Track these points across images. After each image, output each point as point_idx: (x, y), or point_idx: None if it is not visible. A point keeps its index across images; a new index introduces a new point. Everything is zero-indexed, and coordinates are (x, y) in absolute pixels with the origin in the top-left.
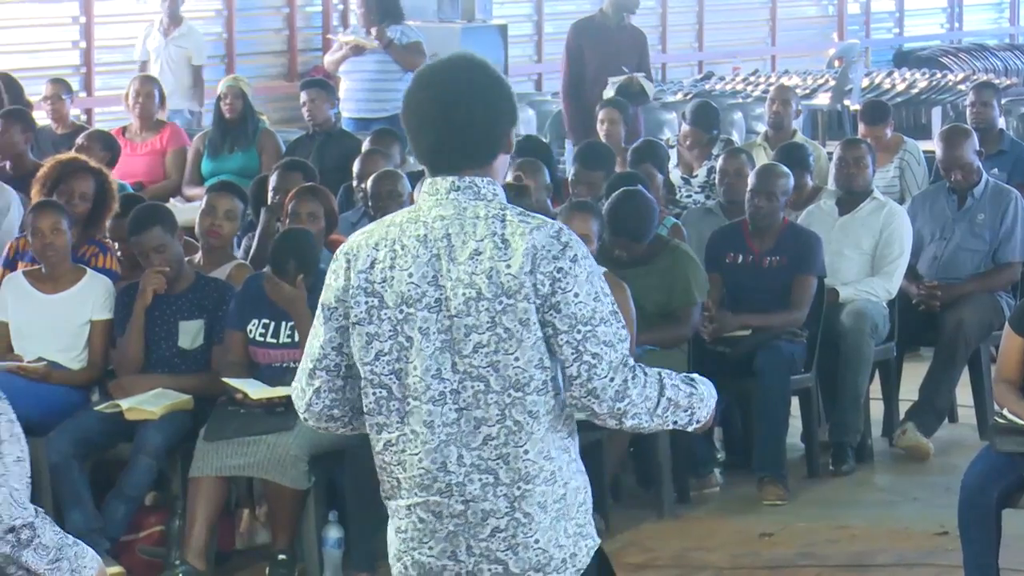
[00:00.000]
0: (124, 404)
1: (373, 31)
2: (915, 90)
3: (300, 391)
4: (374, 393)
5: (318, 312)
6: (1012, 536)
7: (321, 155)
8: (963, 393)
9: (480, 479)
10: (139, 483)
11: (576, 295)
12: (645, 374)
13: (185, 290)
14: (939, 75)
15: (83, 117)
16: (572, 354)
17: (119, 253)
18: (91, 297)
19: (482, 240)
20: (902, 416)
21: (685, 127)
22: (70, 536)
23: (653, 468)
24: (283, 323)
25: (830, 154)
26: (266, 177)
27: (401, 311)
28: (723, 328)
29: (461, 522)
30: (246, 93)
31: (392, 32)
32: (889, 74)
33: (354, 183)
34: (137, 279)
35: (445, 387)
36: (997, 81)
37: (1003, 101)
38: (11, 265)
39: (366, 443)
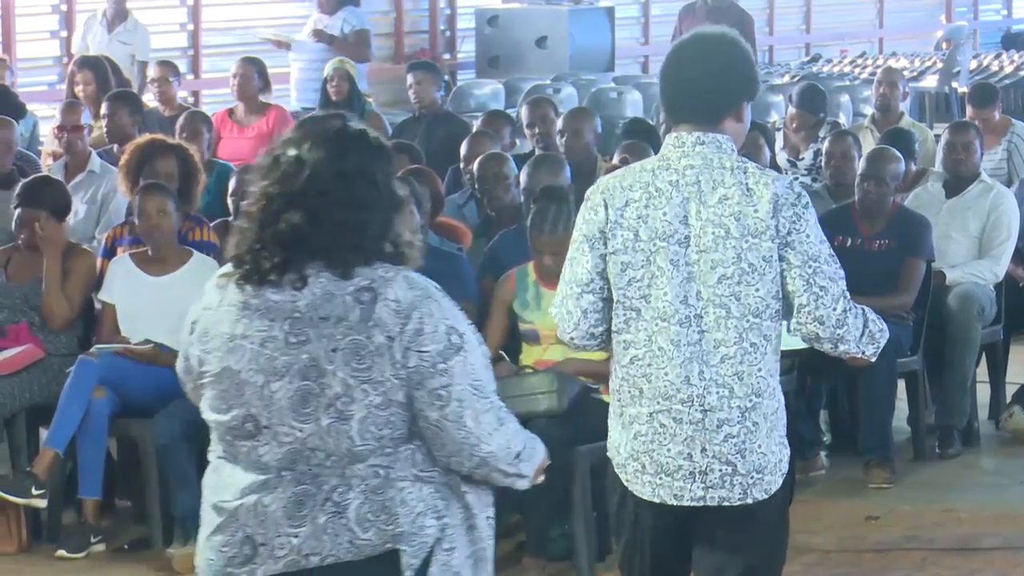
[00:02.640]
0: None
1: (313, 26)
2: (1023, 72)
3: (567, 313)
4: (624, 314)
5: (579, 244)
6: None
7: (428, 137)
8: None
9: (717, 392)
10: None
11: (808, 236)
12: (856, 307)
13: None
14: None
15: (190, 99)
16: (803, 285)
17: None
18: (198, 279)
19: (730, 188)
20: (1009, 399)
21: (792, 110)
22: (524, 430)
23: None
24: None
25: (937, 136)
26: None
27: (654, 244)
28: None
29: (699, 428)
30: (352, 76)
31: (335, 20)
32: (997, 56)
33: (461, 165)
34: None
35: (690, 312)
36: None
37: None
38: (110, 254)
39: None
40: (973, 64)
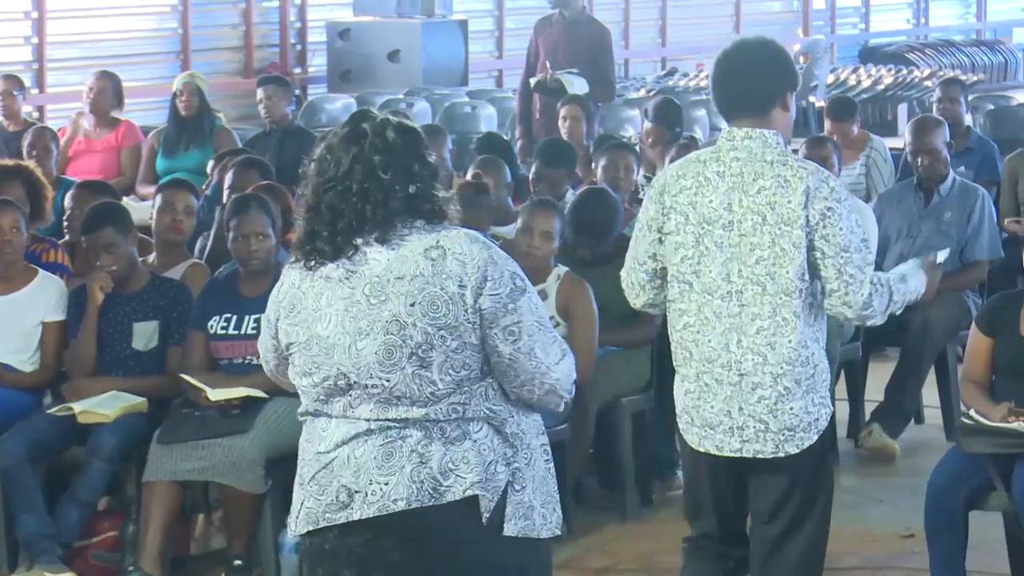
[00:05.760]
0: (77, 407)
1: None
2: (881, 86)
3: (630, 284)
4: (678, 287)
5: (640, 227)
6: (979, 539)
7: (279, 152)
8: (930, 394)
9: (752, 359)
10: (92, 487)
11: (840, 228)
12: (882, 286)
13: (139, 290)
14: (905, 71)
15: (35, 114)
16: (835, 274)
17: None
18: (43, 298)
19: (768, 179)
20: (868, 417)
21: (647, 125)
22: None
23: (616, 470)
24: (246, 316)
25: (795, 151)
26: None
27: (703, 227)
28: None
29: (736, 390)
30: (202, 90)
31: None
32: (855, 70)
33: None
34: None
35: (732, 288)
36: (964, 77)
37: (970, 98)
38: None
39: None
40: (830, 78)
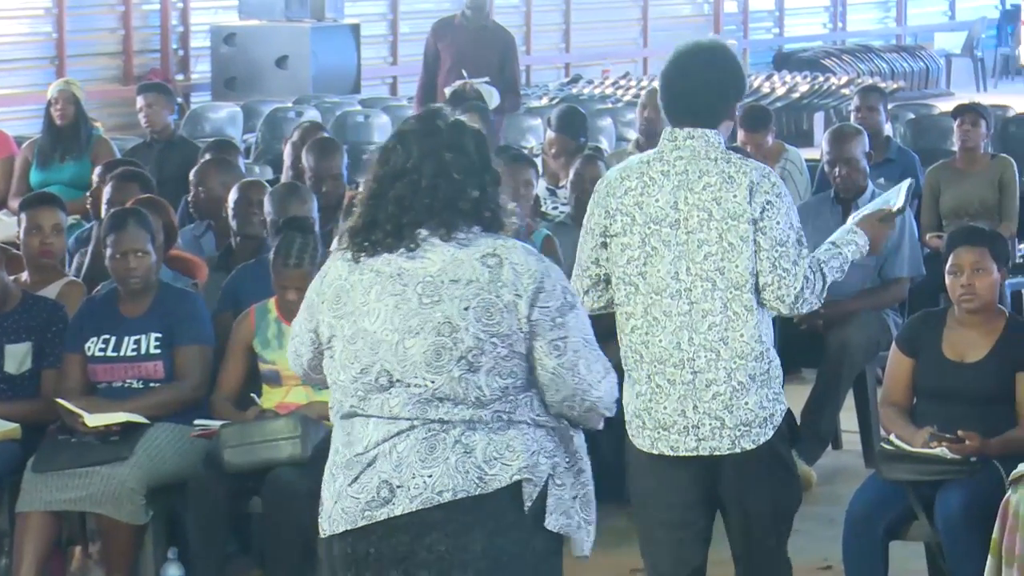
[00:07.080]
0: None
1: None
2: (796, 94)
3: (576, 290)
4: (624, 289)
5: (584, 232)
6: (900, 570)
7: (160, 164)
8: (848, 418)
9: (705, 355)
10: None
11: (778, 222)
12: (814, 274)
13: (10, 311)
14: (821, 78)
15: None
16: (769, 267)
17: None
18: None
19: (712, 176)
20: None
21: (550, 134)
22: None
23: None
24: (126, 338)
25: None
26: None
27: (649, 227)
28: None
29: (689, 388)
30: (78, 98)
31: None
32: (768, 77)
33: (191, 193)
34: None
35: (680, 286)
36: (883, 85)
37: (890, 106)
38: None
39: (209, 475)
40: None
